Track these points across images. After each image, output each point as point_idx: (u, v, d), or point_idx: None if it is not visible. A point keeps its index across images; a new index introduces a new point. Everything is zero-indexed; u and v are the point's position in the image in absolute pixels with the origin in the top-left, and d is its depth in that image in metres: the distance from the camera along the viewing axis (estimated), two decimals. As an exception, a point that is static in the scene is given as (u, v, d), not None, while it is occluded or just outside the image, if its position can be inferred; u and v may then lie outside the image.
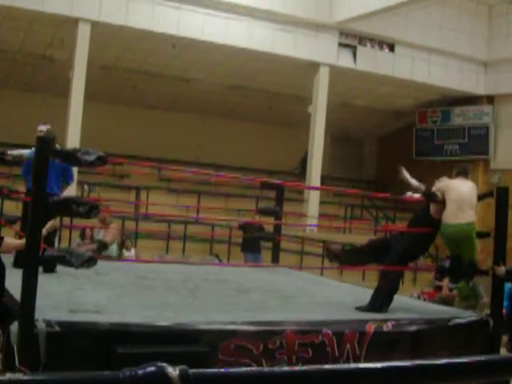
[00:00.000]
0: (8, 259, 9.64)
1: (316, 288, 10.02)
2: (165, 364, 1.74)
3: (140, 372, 1.71)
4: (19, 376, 1.66)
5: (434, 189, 8.26)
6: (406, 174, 8.94)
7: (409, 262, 8.83)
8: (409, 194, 9.05)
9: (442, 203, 8.03)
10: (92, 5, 18.45)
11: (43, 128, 10.12)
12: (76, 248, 12.93)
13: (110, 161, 6.59)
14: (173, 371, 1.73)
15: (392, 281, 7.95)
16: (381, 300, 7.74)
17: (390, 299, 7.82)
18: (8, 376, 1.63)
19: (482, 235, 8.34)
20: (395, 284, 8.04)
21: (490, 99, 24.63)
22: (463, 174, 8.37)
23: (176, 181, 22.13)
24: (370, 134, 29.08)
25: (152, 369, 1.73)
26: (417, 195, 8.79)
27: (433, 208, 8.19)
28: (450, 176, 8.47)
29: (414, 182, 8.83)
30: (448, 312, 8.07)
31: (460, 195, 7.97)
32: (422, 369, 2.14)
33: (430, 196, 8.15)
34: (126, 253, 16.90)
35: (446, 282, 16.69)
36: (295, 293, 9.06)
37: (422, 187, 8.67)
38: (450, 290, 16.47)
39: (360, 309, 7.67)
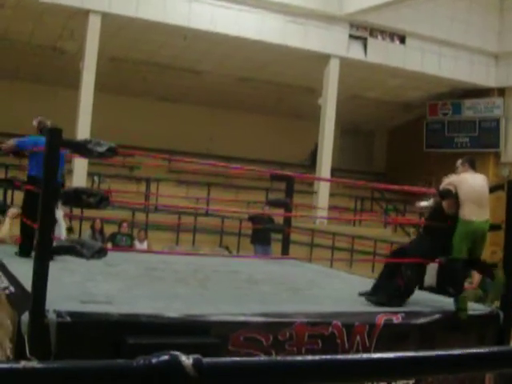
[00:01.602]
0: (12, 249, 9.72)
1: (326, 280, 10.02)
2: (178, 353, 1.74)
3: (153, 360, 1.72)
4: (33, 364, 1.67)
5: (444, 184, 8.20)
6: (422, 203, 8.90)
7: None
8: (422, 203, 9.00)
9: (455, 198, 7.99)
10: (102, -4, 18.52)
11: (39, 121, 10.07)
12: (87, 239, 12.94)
13: (120, 152, 6.59)
14: (186, 360, 1.73)
15: (410, 280, 7.86)
16: (399, 298, 7.66)
17: (407, 297, 7.77)
18: (23, 364, 1.63)
19: (493, 228, 8.30)
20: (413, 284, 7.95)
21: (501, 92, 24.56)
22: (472, 166, 8.32)
23: (186, 172, 22.14)
24: (380, 126, 29.04)
25: (166, 357, 1.73)
26: (426, 203, 8.74)
27: (445, 203, 8.13)
28: (454, 171, 8.41)
29: (429, 203, 8.79)
30: (458, 305, 8.05)
31: (475, 191, 7.90)
32: (433, 359, 2.14)
33: (445, 194, 8.08)
34: (138, 244, 16.95)
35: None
36: (305, 285, 9.06)
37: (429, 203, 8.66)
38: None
39: (372, 302, 7.63)
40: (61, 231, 10.53)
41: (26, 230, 9.49)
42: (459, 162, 8.42)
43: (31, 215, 8.73)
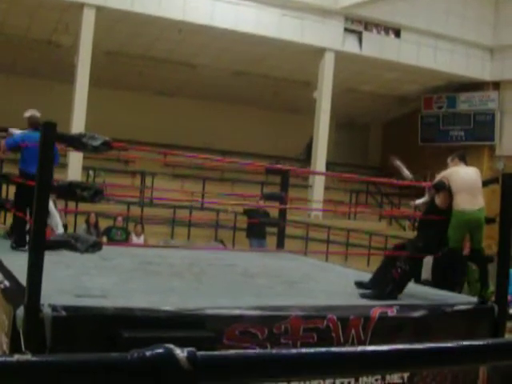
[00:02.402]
0: (6, 243, 9.72)
1: (321, 273, 10.03)
2: (172, 346, 1.74)
3: (148, 353, 1.72)
4: (27, 357, 1.67)
5: (438, 178, 8.24)
6: (418, 201, 8.92)
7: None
8: (417, 201, 9.02)
9: (447, 191, 8.02)
10: (97, -10, 18.47)
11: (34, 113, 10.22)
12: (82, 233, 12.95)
13: (115, 146, 6.58)
14: (181, 353, 1.73)
15: (404, 274, 7.87)
16: (391, 288, 7.68)
17: (400, 290, 7.79)
18: (16, 357, 1.63)
19: (487, 221, 8.33)
20: (407, 277, 7.97)
21: (496, 85, 24.59)
22: (463, 160, 8.36)
23: (181, 166, 22.14)
24: (376, 119, 29.05)
25: (160, 350, 1.73)
26: (421, 200, 8.77)
27: (438, 198, 8.16)
28: (446, 166, 8.44)
29: (406, 172, 8.84)
30: (453, 298, 8.08)
31: (467, 181, 7.96)
32: (427, 352, 2.14)
33: (439, 186, 8.11)
34: (135, 239, 16.94)
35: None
36: (300, 278, 9.07)
37: (412, 177, 8.72)
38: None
39: (365, 296, 7.63)
40: (56, 222, 10.50)
41: (18, 223, 9.59)
42: (449, 158, 8.48)
43: (21, 208, 8.88)
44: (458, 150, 8.99)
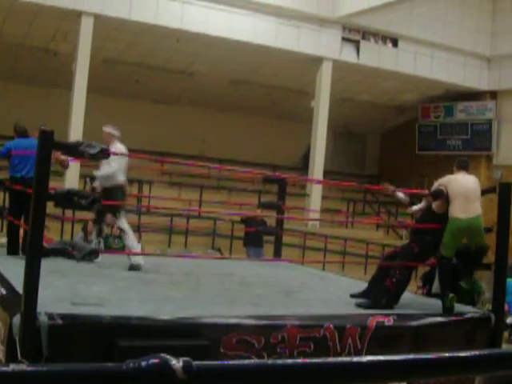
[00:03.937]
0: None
1: (318, 282, 10.03)
2: (168, 356, 1.74)
3: (143, 364, 1.71)
4: (23, 367, 1.66)
5: (436, 185, 8.25)
6: (414, 207, 8.93)
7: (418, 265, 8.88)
8: (414, 207, 9.03)
9: (445, 198, 8.03)
10: (95, -2, 18.48)
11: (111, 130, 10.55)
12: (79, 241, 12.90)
13: (112, 154, 6.59)
14: (176, 363, 1.73)
15: (399, 283, 7.87)
16: (386, 299, 7.68)
17: (396, 299, 7.78)
18: (12, 367, 1.63)
19: (484, 231, 8.33)
20: (402, 287, 7.96)
21: (493, 95, 24.61)
22: (464, 168, 8.36)
23: (179, 175, 22.12)
24: (373, 128, 29.03)
25: (155, 360, 1.73)
26: (419, 206, 8.78)
27: (435, 204, 8.18)
28: (451, 173, 8.46)
29: (401, 195, 8.89)
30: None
31: (465, 188, 7.97)
32: (424, 362, 2.14)
33: (437, 194, 8.12)
34: (132, 247, 16.85)
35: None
36: (297, 287, 9.06)
37: (408, 199, 8.78)
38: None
39: (361, 305, 7.62)
40: (131, 240, 10.18)
41: (12, 229, 9.68)
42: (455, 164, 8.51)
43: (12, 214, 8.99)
44: (461, 158, 8.98)
